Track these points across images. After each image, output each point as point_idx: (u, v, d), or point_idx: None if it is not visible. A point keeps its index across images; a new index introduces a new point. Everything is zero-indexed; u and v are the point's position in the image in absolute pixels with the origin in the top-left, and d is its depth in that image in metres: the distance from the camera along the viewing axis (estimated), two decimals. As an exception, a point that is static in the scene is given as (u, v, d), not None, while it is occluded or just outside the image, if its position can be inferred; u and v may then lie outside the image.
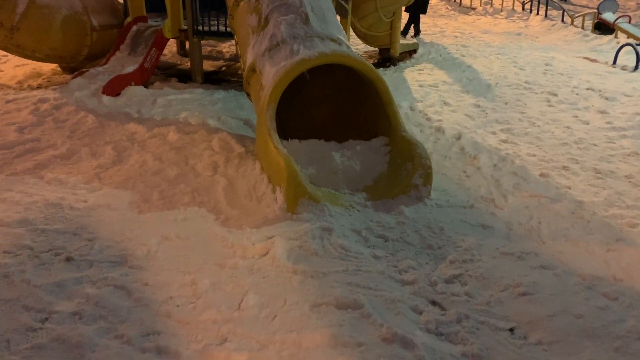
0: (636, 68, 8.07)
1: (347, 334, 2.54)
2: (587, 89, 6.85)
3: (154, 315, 2.65)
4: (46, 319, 2.59)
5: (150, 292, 2.83)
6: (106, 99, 5.94)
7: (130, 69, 6.42)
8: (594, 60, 8.82)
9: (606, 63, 8.57)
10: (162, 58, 8.03)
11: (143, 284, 2.89)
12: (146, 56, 6.60)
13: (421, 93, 6.79)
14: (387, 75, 7.47)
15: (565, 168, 4.58)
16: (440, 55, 9.04)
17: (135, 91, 6.19)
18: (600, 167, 4.57)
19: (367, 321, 2.64)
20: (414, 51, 9.13)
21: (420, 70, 8.06)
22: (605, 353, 2.47)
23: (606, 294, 2.89)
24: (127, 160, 4.57)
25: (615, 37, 10.48)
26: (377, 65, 8.35)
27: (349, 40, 5.97)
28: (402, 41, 8.97)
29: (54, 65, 7.46)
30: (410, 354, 2.42)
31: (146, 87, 6.43)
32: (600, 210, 3.84)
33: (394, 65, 8.38)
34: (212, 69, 7.99)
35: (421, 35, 10.72)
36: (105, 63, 6.81)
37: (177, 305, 2.73)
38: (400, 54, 8.74)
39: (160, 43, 6.91)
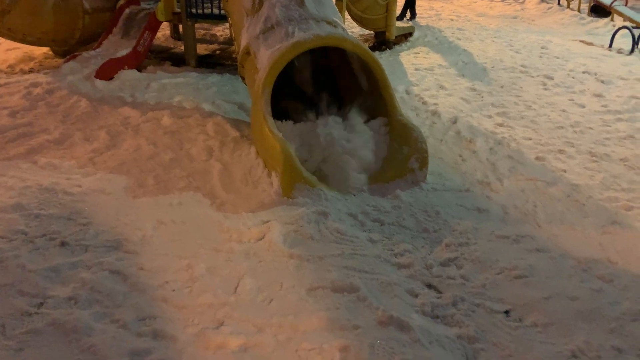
0: (632, 51, 8.04)
1: (343, 317, 2.54)
2: (583, 72, 6.84)
3: (150, 299, 2.65)
4: (41, 303, 2.57)
5: (146, 276, 2.82)
6: (99, 83, 5.88)
7: (123, 52, 6.35)
8: (590, 44, 8.79)
9: (602, 46, 8.54)
10: (156, 41, 7.94)
11: (139, 268, 2.88)
12: (139, 39, 6.53)
13: (417, 77, 6.75)
14: (382, 59, 7.42)
15: (561, 151, 4.58)
16: (436, 38, 8.98)
17: (128, 75, 6.13)
18: (596, 151, 4.58)
19: (363, 304, 2.64)
20: (410, 34, 9.07)
21: (416, 53, 8.01)
22: (600, 335, 2.49)
23: (601, 277, 2.90)
24: (121, 144, 4.54)
25: (612, 20, 10.43)
26: (373, 48, 8.29)
27: (344, 23, 5.91)
28: (398, 24, 8.89)
29: (45, 49, 7.36)
30: (406, 336, 2.43)
31: (139, 70, 6.37)
32: (595, 194, 3.85)
33: (390, 49, 8.32)
34: (206, 52, 7.91)
35: (417, 19, 10.64)
36: (98, 47, 6.73)
37: (173, 290, 2.72)
38: (396, 37, 8.67)
39: (153, 26, 6.82)
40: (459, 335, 2.48)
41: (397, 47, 8.44)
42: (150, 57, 7.29)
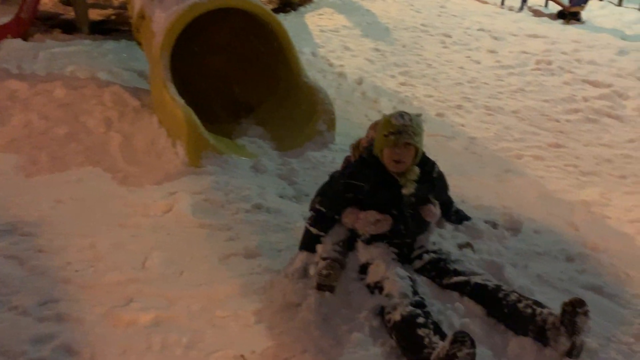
0: (521, 8, 8.50)
1: (256, 282, 2.55)
2: (479, 30, 7.14)
3: (52, 282, 2.52)
4: None
5: (46, 258, 2.67)
6: (-22, 54, 5.37)
7: (4, 20, 5.82)
8: (485, 2, 9.17)
9: (495, 4, 8.95)
10: (42, 7, 7.30)
11: (36, 251, 2.72)
12: (22, 5, 5.99)
13: (322, 38, 6.75)
14: (287, 21, 7.32)
15: (459, 107, 4.80)
16: (340, -1, 8.97)
17: (12, 44, 5.62)
18: (491, 104, 4.84)
19: (277, 267, 2.65)
20: (314, -5, 8.99)
21: (320, 15, 7.99)
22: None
23: (497, 221, 3.11)
24: (9, 120, 4.18)
25: (504, -22, 10.91)
26: (277, 10, 8.13)
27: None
28: (301, -15, 8.78)
29: None
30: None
31: (25, 39, 5.86)
32: (490, 145, 4.09)
33: (294, 10, 8.22)
34: (100, 18, 7.40)
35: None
36: (-27, 14, 6.11)
37: (76, 270, 2.60)
38: (300, -2, 8.57)
39: (37, -10, 6.28)
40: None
41: (301, 8, 8.35)
42: (36, 24, 6.72)
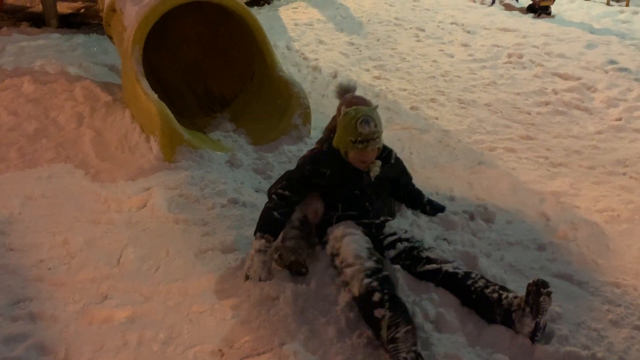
0: (493, 2, 8.60)
1: (233, 276, 2.55)
2: (451, 24, 7.20)
3: (24, 281, 2.48)
4: None
5: (17, 257, 2.63)
6: (-59, 48, 5.22)
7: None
8: (457, -5, 9.23)
9: (467, -2, 9.01)
10: (8, 0, 7.14)
11: (7, 249, 2.68)
12: (-14, -3, 5.84)
13: (297, 32, 6.73)
14: (261, 14, 7.28)
15: (433, 100, 4.84)
16: (313, -8, 8.94)
17: (-23, 38, 5.50)
18: (464, 97, 4.89)
19: (253, 262, 2.66)
20: (288, -12, 8.94)
21: (294, 8, 7.95)
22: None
23: (469, 212, 3.16)
24: (-25, 117, 4.09)
25: (476, -28, 11.01)
26: (251, 3, 8.09)
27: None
28: (275, -22, 8.72)
29: None
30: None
31: (-9, 33, 5.74)
32: (464, 137, 4.14)
33: (268, 4, 8.17)
34: (69, 11, 7.26)
35: (294, -28, 10.50)
36: (-64, 6, 5.92)
37: (49, 268, 2.57)
38: (274, -9, 8.51)
39: (2, -18, 6.12)
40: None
41: (275, 1, 8.31)
42: (3, 17, 6.57)
